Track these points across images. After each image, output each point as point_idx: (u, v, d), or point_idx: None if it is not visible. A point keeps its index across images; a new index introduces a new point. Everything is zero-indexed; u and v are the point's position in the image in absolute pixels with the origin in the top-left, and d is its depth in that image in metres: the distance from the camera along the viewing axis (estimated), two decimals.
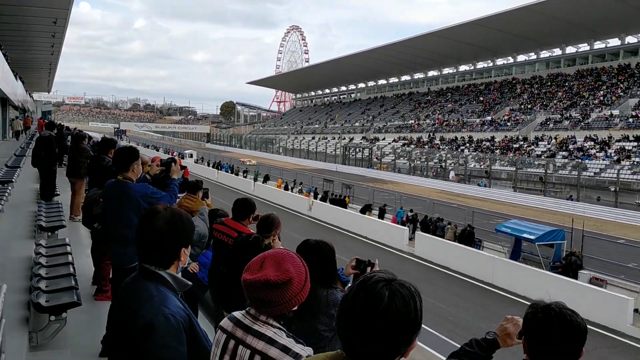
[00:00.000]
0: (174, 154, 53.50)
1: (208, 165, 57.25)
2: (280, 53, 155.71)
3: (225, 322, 1.91)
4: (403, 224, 25.38)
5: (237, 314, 1.89)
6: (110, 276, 4.64)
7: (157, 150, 68.24)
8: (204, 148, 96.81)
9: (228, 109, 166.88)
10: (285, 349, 1.74)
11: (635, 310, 14.68)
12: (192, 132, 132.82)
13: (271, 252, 1.87)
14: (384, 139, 74.26)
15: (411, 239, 23.30)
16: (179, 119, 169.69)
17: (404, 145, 67.29)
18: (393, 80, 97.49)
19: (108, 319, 2.35)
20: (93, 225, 5.76)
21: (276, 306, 1.77)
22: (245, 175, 47.96)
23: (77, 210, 8.98)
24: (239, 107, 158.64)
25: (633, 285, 16.38)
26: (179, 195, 4.78)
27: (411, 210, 26.56)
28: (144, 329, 1.90)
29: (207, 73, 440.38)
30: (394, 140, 71.01)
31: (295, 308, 1.86)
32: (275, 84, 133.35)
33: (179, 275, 2.18)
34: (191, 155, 66.02)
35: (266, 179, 44.11)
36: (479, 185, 47.41)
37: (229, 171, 51.11)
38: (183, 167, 5.31)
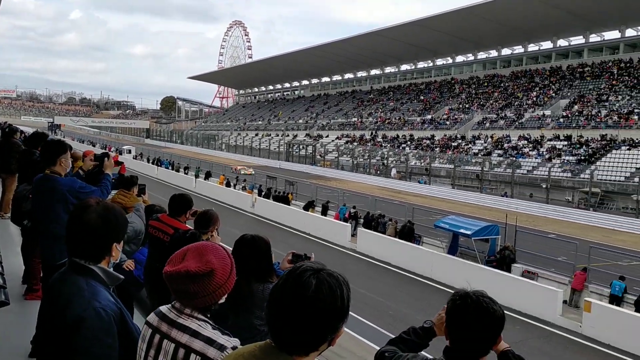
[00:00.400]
0: (111, 150, 51.93)
1: (147, 161, 55.87)
2: (223, 48, 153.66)
3: (151, 317, 1.89)
4: (346, 220, 25.65)
5: (163, 308, 1.87)
6: (42, 274, 4.47)
7: (94, 146, 65.96)
8: (143, 144, 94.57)
9: (168, 104, 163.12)
10: (209, 341, 1.73)
11: (564, 302, 15.45)
12: (131, 128, 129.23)
13: (194, 244, 1.86)
14: (327, 136, 74.69)
15: (353, 235, 23.55)
16: (116, 113, 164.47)
17: (347, 142, 67.91)
18: (336, 78, 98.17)
19: (38, 316, 2.27)
20: (22, 222, 5.53)
21: (199, 298, 1.76)
22: (186, 171, 47.12)
23: (7, 208, 8.57)
24: (179, 102, 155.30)
25: (562, 277, 17.22)
26: (113, 191, 4.65)
27: (354, 207, 26.87)
28: (74, 323, 1.86)
29: (146, 67, 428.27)
30: (337, 138, 71.55)
31: (223, 300, 1.85)
32: (218, 79, 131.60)
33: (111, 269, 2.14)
34: (129, 151, 64.26)
35: (208, 175, 43.48)
36: (419, 182, 48.55)
37: (169, 167, 50.06)
38: (119, 163, 5.18)
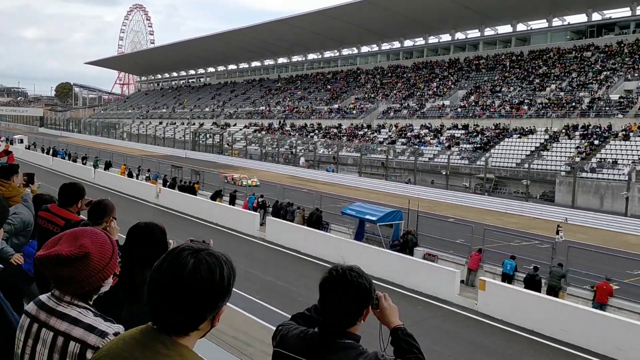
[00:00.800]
0: (1, 139, 48.24)
1: (42, 151, 52.44)
2: (123, 32, 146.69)
3: (30, 306, 1.81)
4: (254, 209, 25.52)
5: (43, 296, 1.80)
6: None
7: None
8: (37, 133, 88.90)
9: (64, 90, 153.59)
10: (90, 328, 1.68)
11: (462, 281, 16.34)
12: (23, 116, 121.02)
13: (71, 229, 1.81)
14: (235, 124, 73.79)
15: (262, 224, 23.50)
16: (7, 100, 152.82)
17: (255, 131, 67.46)
18: (243, 65, 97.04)
19: None
20: None
21: (76, 284, 1.70)
22: (84, 162, 44.75)
23: None
24: (76, 89, 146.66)
25: (460, 258, 18.20)
26: None
27: (261, 196, 26.79)
28: None
29: (39, 51, 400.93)
30: (245, 127, 70.90)
31: (107, 288, 1.81)
32: (118, 65, 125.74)
33: None
34: (21, 141, 59.97)
35: (108, 165, 41.51)
36: (327, 170, 49.24)
37: (66, 158, 47.27)
38: (8, 152, 4.83)
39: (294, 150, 55.71)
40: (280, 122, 68.07)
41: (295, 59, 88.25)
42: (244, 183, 34.93)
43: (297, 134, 61.91)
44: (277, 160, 55.49)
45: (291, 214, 23.89)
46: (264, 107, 76.26)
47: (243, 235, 22.55)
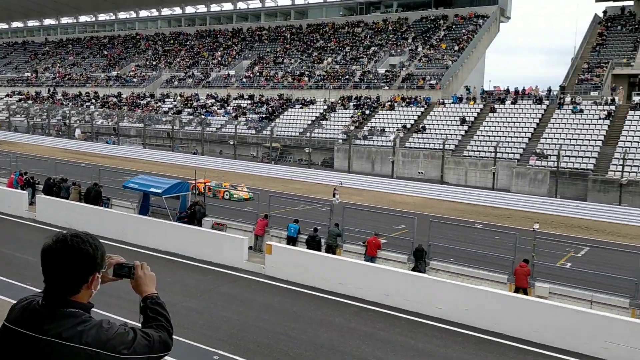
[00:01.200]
0: None
1: None
2: None
3: None
4: (22, 188, 22.79)
5: None
6: None
7: None
8: None
9: None
10: None
11: (250, 248, 16.78)
12: None
13: None
14: None
15: (32, 203, 21.21)
16: None
17: (20, 100, 59.96)
18: (2, 26, 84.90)
19: None
20: None
21: None
22: None
23: None
24: None
25: (247, 226, 18.63)
26: None
27: (26, 173, 24.00)
28: None
29: None
30: (8, 95, 62.59)
31: None
32: None
33: None
34: None
35: None
36: (107, 142, 46.34)
37: None
38: None
39: (67, 121, 50.96)
40: (50, 91, 61.43)
41: (64, 20, 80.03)
42: (233, 197, 25.62)
43: (70, 103, 56.58)
44: (48, 132, 50.26)
45: (65, 190, 21.86)
46: (29, 74, 67.93)
47: (9, 216, 20.03)
